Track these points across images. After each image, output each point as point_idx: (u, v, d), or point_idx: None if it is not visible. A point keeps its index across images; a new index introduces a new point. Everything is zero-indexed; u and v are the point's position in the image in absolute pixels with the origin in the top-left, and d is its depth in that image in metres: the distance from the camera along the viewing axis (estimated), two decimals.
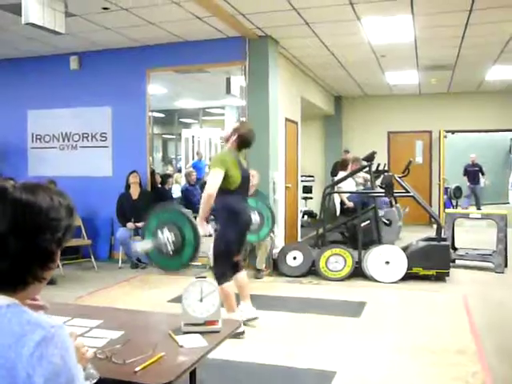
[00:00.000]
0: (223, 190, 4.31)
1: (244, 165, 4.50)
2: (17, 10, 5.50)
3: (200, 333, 2.22)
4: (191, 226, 3.90)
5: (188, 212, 4.16)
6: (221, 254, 4.47)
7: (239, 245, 4.55)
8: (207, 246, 7.40)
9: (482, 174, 14.58)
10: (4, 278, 1.20)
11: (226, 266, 4.48)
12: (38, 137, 8.62)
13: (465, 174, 14.58)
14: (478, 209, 13.72)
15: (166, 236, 3.83)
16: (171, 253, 3.82)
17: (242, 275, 4.73)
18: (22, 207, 1.21)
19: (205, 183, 4.74)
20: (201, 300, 2.29)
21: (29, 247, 1.20)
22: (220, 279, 4.35)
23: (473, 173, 14.56)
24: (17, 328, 1.14)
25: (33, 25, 5.25)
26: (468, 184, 14.63)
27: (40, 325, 1.15)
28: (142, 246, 3.84)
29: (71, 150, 8.44)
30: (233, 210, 4.38)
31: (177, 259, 3.88)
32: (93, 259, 7.39)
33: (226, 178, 4.28)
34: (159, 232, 3.86)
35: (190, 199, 9.35)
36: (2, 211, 1.19)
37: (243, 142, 4.46)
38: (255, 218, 5.47)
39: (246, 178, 4.50)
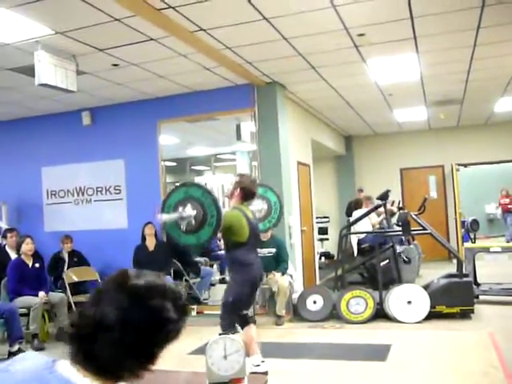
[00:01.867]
0: (234, 244, 4.40)
1: (250, 216, 4.52)
2: (30, 71, 5.64)
3: None
4: (215, 207, 3.87)
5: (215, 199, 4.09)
6: (228, 305, 4.47)
7: (248, 299, 4.54)
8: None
9: None
10: (101, 369, 1.18)
11: (231, 317, 4.47)
12: (53, 193, 8.70)
13: None
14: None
15: (189, 212, 3.84)
16: (191, 228, 3.85)
17: (251, 329, 4.63)
18: (137, 299, 1.19)
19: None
20: (225, 357, 2.23)
21: (135, 344, 1.18)
22: (227, 330, 4.33)
23: None
24: None
25: (46, 85, 5.37)
26: None
27: None
28: (166, 217, 3.86)
29: (86, 204, 8.49)
30: (243, 263, 4.41)
31: (194, 236, 3.90)
32: None
33: (234, 232, 4.33)
34: (181, 207, 3.87)
35: (206, 247, 9.32)
36: (117, 299, 1.19)
37: (247, 193, 4.52)
38: (263, 206, 5.34)
39: (254, 230, 4.54)
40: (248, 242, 4.40)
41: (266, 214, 5.36)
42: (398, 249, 8.07)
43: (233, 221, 4.32)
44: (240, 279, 4.39)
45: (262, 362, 4.67)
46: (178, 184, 4.18)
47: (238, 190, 4.47)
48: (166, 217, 3.93)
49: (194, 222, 3.87)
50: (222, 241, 4.71)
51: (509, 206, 14.16)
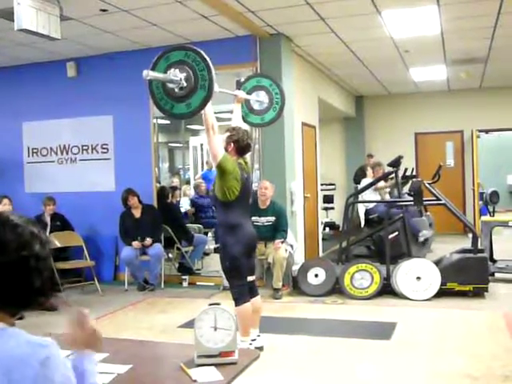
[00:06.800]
0: (222, 203, 4.42)
1: (245, 173, 4.51)
2: (9, 15, 5.58)
3: (215, 365, 2.21)
4: (208, 71, 3.83)
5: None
6: (230, 273, 4.53)
7: (247, 263, 4.54)
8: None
9: None
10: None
11: (240, 285, 4.51)
12: (35, 150, 8.70)
13: None
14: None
15: (179, 76, 3.80)
16: (182, 94, 3.83)
17: (257, 300, 4.75)
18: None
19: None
20: (215, 329, 2.28)
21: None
22: (238, 300, 4.48)
23: None
24: (17, 350, 1.24)
25: (26, 31, 5.31)
26: None
27: (41, 345, 1.26)
28: (153, 73, 3.86)
29: (70, 163, 8.50)
30: (233, 226, 4.42)
31: (185, 104, 3.88)
32: (96, 282, 7.40)
33: (225, 182, 4.32)
34: (171, 70, 3.86)
35: (199, 212, 9.38)
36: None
37: (242, 146, 4.53)
38: (264, 98, 5.25)
39: (247, 189, 4.55)
40: (238, 201, 4.39)
41: (269, 105, 5.28)
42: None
43: (228, 165, 4.29)
44: (230, 241, 4.41)
45: (258, 336, 4.76)
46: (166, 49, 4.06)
47: (232, 144, 4.49)
48: (152, 74, 3.88)
49: (185, 84, 3.82)
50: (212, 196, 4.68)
51: None
